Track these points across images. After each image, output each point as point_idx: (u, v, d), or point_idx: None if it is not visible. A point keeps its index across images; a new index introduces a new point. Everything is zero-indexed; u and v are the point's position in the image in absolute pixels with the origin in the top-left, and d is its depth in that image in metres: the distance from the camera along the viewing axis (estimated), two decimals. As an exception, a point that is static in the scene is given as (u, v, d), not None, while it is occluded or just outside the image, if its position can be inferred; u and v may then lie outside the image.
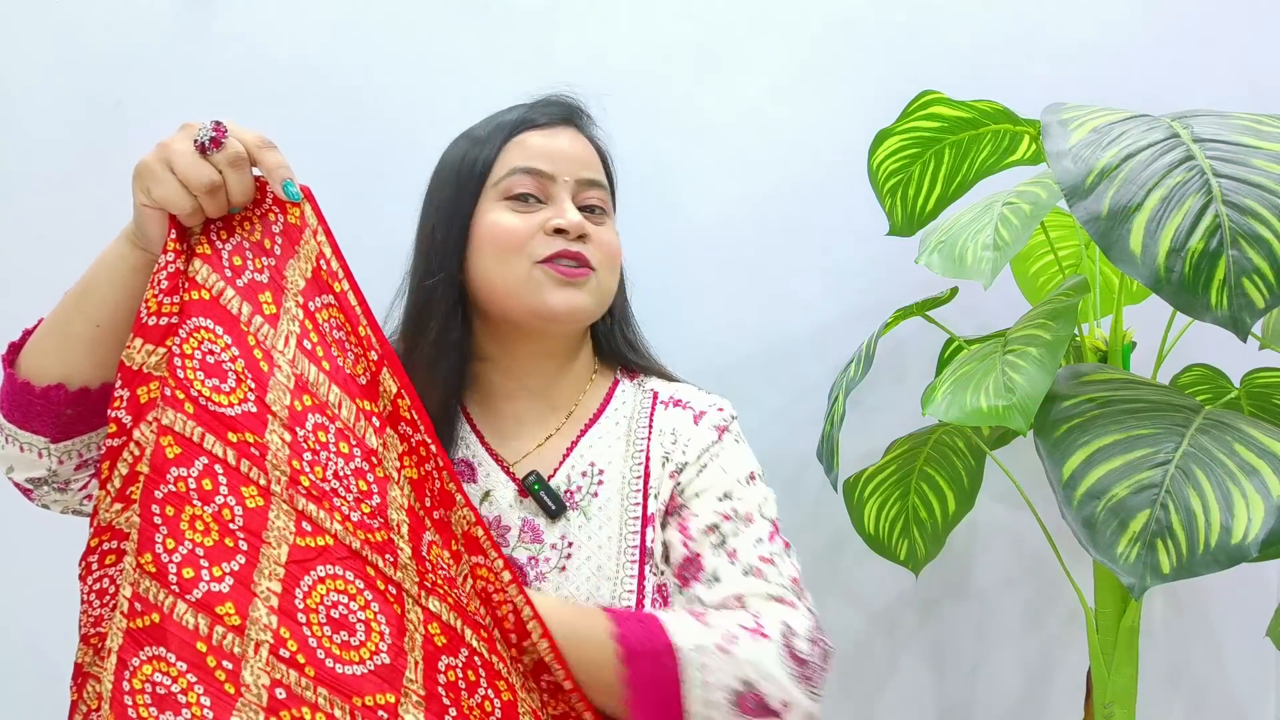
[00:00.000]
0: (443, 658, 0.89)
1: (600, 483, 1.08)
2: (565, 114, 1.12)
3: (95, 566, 0.89)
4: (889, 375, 1.56)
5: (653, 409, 1.13)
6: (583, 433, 1.11)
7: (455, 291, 1.07)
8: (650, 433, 1.11)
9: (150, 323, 0.88)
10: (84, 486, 0.99)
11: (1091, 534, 1.02)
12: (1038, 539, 1.44)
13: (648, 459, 1.09)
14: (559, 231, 1.04)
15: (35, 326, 0.96)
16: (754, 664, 0.91)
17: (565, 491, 1.07)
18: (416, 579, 0.90)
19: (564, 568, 1.03)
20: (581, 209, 1.08)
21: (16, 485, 0.99)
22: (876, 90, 1.46)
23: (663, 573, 1.06)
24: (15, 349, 0.96)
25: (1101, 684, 1.24)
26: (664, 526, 1.07)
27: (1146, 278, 0.97)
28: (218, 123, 0.87)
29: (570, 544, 1.04)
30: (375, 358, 0.93)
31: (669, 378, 1.18)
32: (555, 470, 1.08)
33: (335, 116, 1.49)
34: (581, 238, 1.05)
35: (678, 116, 1.53)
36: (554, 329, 1.07)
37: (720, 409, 1.13)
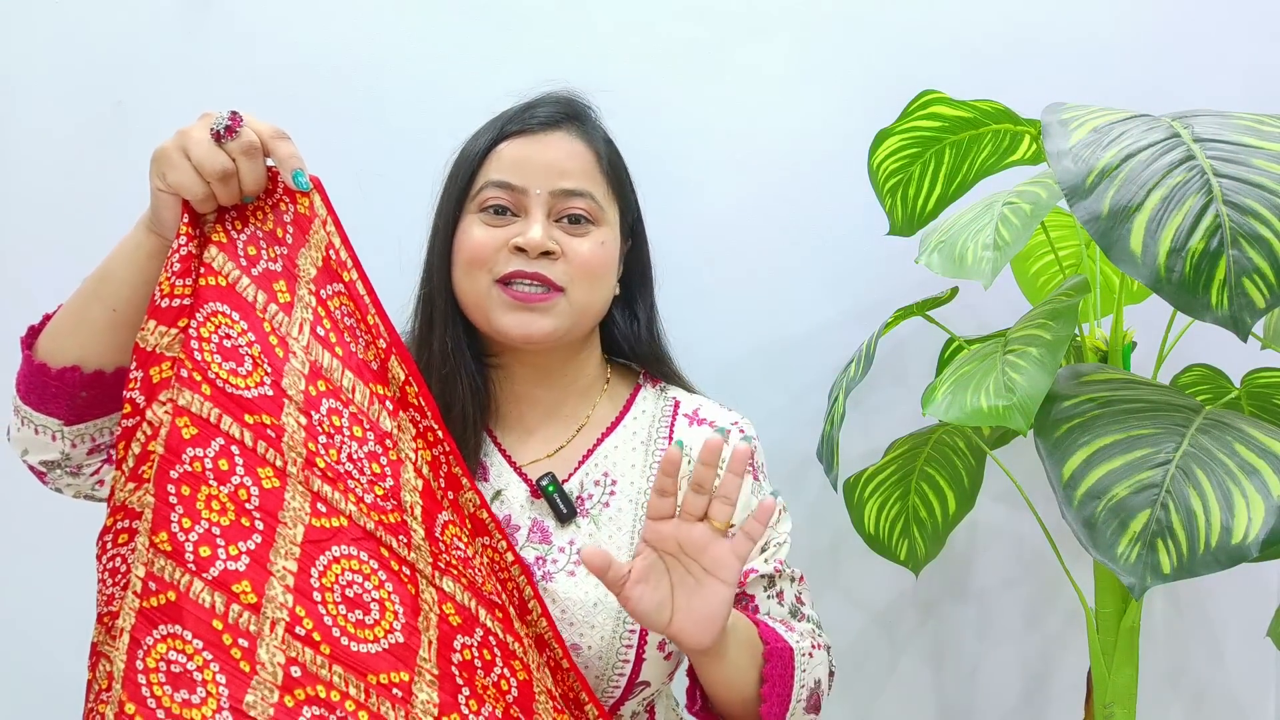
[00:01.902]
0: (458, 637, 0.90)
1: (613, 493, 1.07)
2: (557, 115, 1.07)
3: (109, 546, 0.90)
4: (889, 375, 1.56)
5: (673, 419, 1.12)
6: (599, 441, 1.11)
7: (446, 300, 1.07)
8: (670, 444, 1.10)
9: (164, 305, 0.90)
10: (96, 471, 1.00)
11: (1092, 534, 1.02)
12: (1038, 539, 1.44)
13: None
14: (521, 250, 1.02)
15: (55, 311, 0.97)
16: (822, 668, 1.08)
17: (577, 498, 1.07)
18: (430, 560, 0.91)
19: (573, 573, 1.03)
20: (561, 221, 1.04)
21: (31, 468, 1.00)
22: (876, 90, 1.46)
23: None
24: (35, 332, 0.97)
25: (1102, 684, 1.24)
26: None
27: (1147, 278, 0.97)
28: (234, 112, 0.88)
29: (579, 550, 1.04)
30: (384, 345, 0.95)
31: (689, 389, 1.17)
32: (569, 476, 1.08)
33: (335, 116, 1.49)
34: (548, 254, 1.02)
35: (677, 116, 1.53)
36: (521, 348, 1.07)
37: (743, 430, 1.13)
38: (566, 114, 1.08)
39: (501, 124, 1.07)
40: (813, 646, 1.07)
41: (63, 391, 0.94)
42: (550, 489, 1.05)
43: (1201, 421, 1.06)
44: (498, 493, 1.07)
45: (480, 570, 0.95)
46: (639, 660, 1.03)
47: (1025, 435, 1.07)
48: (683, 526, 0.90)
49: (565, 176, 1.05)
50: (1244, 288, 0.95)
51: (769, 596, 1.10)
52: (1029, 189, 1.18)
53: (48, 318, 0.97)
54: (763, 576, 1.09)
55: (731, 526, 1.08)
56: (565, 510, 1.05)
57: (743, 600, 1.09)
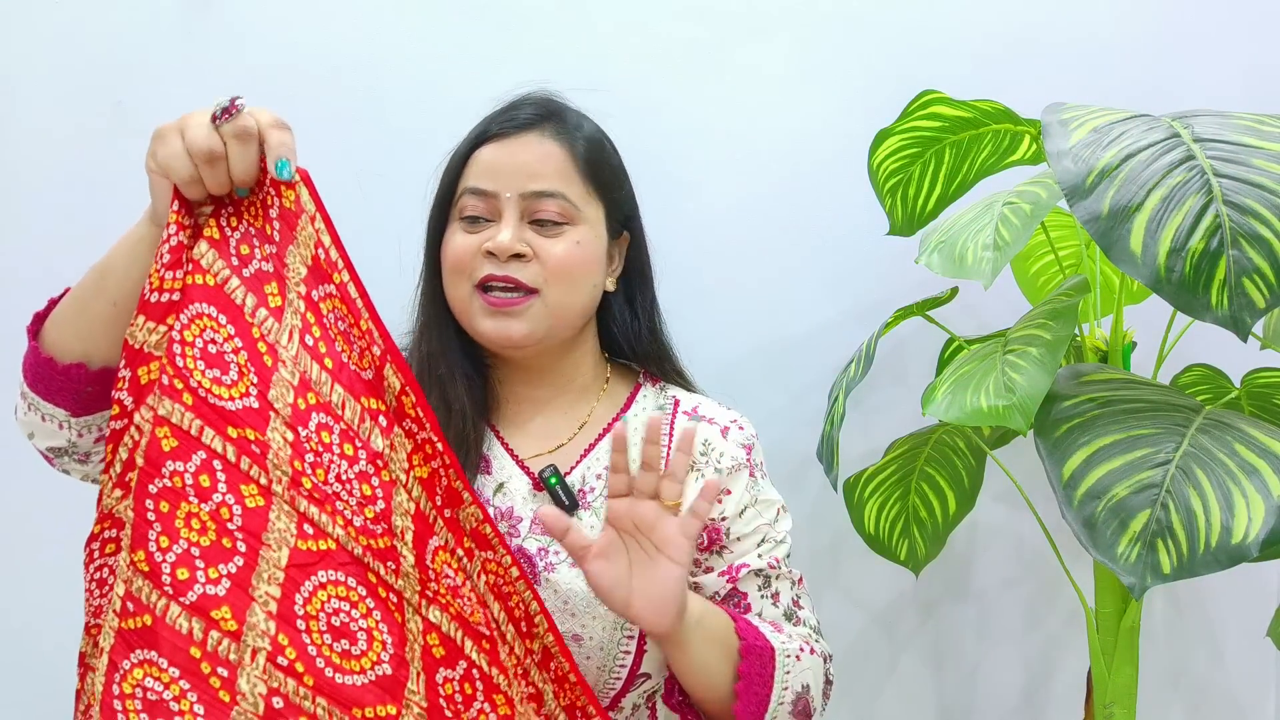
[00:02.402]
0: (440, 669, 0.87)
1: None
2: (532, 117, 1.07)
3: (96, 554, 0.87)
4: (889, 375, 1.56)
5: (674, 416, 1.13)
6: (601, 435, 1.11)
7: (439, 304, 1.09)
8: (671, 441, 1.11)
9: (153, 299, 0.86)
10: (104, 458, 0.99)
11: (1092, 534, 1.02)
12: (1038, 539, 1.44)
13: (666, 466, 1.09)
14: (493, 253, 1.03)
15: (61, 295, 0.95)
16: (812, 673, 1.05)
17: (579, 490, 1.07)
18: (418, 588, 0.88)
19: (574, 565, 1.03)
20: (534, 222, 1.05)
21: (39, 451, 1.00)
22: (876, 90, 1.46)
23: None
24: (40, 319, 0.96)
25: (1102, 684, 1.24)
26: (704, 560, 1.10)
27: (1147, 278, 0.97)
28: (236, 97, 0.86)
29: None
30: (378, 353, 0.90)
31: (690, 387, 1.18)
32: (571, 470, 1.09)
33: (334, 116, 1.49)
34: (519, 257, 1.03)
35: (678, 116, 1.53)
36: (503, 352, 1.08)
37: (741, 427, 1.14)
38: (541, 115, 1.08)
39: (481, 129, 1.09)
40: (802, 650, 1.05)
41: (69, 386, 0.93)
42: (553, 481, 1.05)
43: (1201, 421, 1.06)
44: (500, 485, 1.07)
45: (469, 600, 0.91)
46: (640, 651, 1.04)
47: (1025, 435, 1.07)
48: (636, 503, 0.92)
49: (535, 178, 1.05)
50: (1244, 288, 0.95)
51: (763, 596, 1.09)
52: (1029, 189, 1.18)
53: (53, 303, 0.96)
54: (756, 572, 1.09)
55: (725, 519, 1.08)
56: (567, 502, 1.05)
57: (735, 597, 1.09)
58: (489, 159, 1.06)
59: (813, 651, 1.07)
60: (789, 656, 1.03)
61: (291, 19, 1.50)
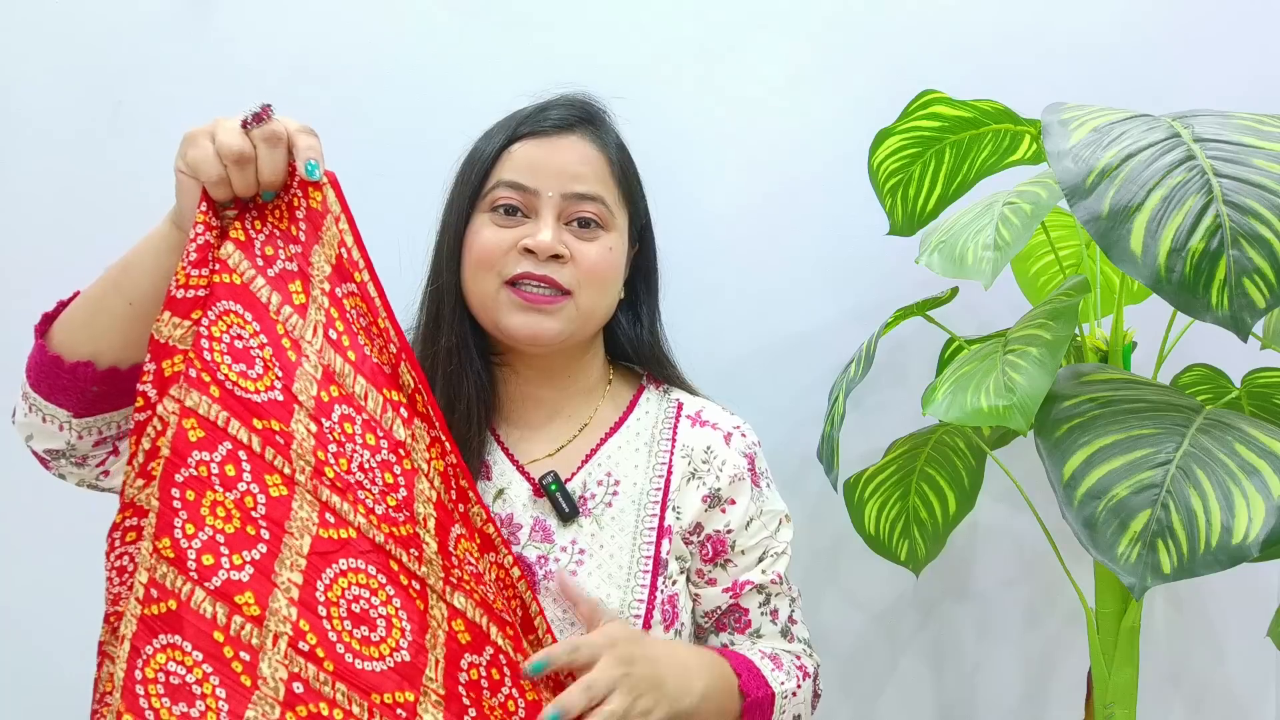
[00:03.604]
0: (466, 655, 0.89)
1: (615, 493, 1.08)
2: (570, 118, 1.08)
3: (118, 543, 0.89)
4: (889, 375, 1.56)
5: (676, 421, 1.13)
6: (602, 441, 1.11)
7: (454, 299, 1.07)
8: (674, 446, 1.11)
9: (179, 295, 0.88)
10: (101, 463, 0.99)
11: (1092, 534, 1.02)
12: (1038, 539, 1.44)
13: (669, 472, 1.09)
14: (530, 251, 1.03)
15: (71, 298, 0.96)
16: (803, 702, 1.10)
17: (580, 497, 1.07)
18: (442, 574, 0.89)
19: (574, 572, 1.03)
20: (570, 223, 1.05)
21: (34, 453, 1.00)
22: (876, 90, 1.46)
23: (675, 582, 1.07)
24: (48, 319, 0.96)
25: (1102, 684, 1.24)
26: (707, 571, 1.11)
27: (1147, 278, 0.97)
28: (267, 104, 0.89)
29: (581, 550, 1.05)
30: (394, 350, 0.93)
31: (692, 391, 1.18)
32: (572, 475, 1.08)
33: (335, 118, 1.49)
34: (557, 258, 1.03)
35: (677, 116, 1.53)
36: (527, 349, 1.07)
37: (744, 434, 1.14)
38: (580, 117, 1.09)
39: (514, 125, 1.08)
40: (797, 684, 1.08)
41: (74, 385, 0.93)
42: (553, 488, 1.05)
43: (1202, 421, 1.06)
44: (500, 491, 1.07)
45: (491, 586, 0.93)
46: None
47: (1025, 435, 1.07)
48: None
49: (577, 180, 1.05)
50: (1244, 288, 0.95)
51: (763, 613, 1.11)
52: (1029, 189, 1.18)
53: (62, 305, 0.96)
54: (758, 588, 1.11)
55: (730, 531, 1.08)
56: (567, 509, 1.05)
57: (736, 613, 1.11)
58: (528, 155, 1.05)
59: (805, 674, 1.10)
60: (786, 696, 1.06)
61: (291, 20, 1.50)
